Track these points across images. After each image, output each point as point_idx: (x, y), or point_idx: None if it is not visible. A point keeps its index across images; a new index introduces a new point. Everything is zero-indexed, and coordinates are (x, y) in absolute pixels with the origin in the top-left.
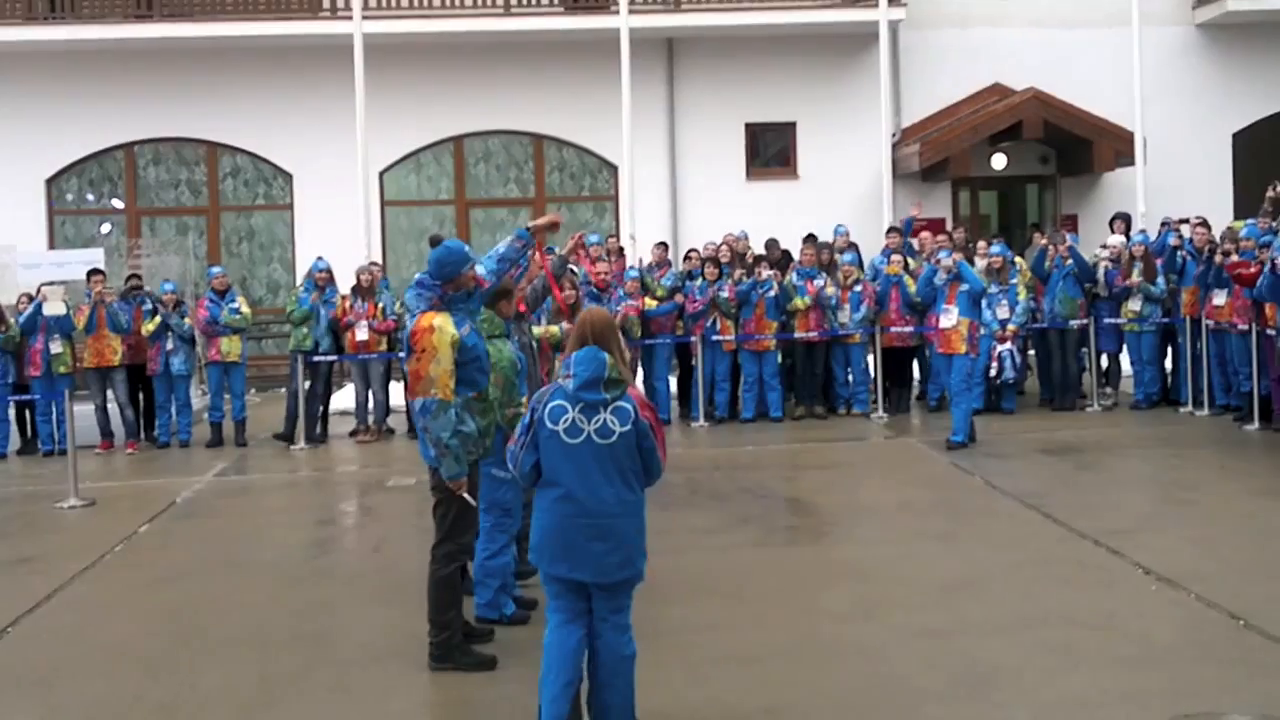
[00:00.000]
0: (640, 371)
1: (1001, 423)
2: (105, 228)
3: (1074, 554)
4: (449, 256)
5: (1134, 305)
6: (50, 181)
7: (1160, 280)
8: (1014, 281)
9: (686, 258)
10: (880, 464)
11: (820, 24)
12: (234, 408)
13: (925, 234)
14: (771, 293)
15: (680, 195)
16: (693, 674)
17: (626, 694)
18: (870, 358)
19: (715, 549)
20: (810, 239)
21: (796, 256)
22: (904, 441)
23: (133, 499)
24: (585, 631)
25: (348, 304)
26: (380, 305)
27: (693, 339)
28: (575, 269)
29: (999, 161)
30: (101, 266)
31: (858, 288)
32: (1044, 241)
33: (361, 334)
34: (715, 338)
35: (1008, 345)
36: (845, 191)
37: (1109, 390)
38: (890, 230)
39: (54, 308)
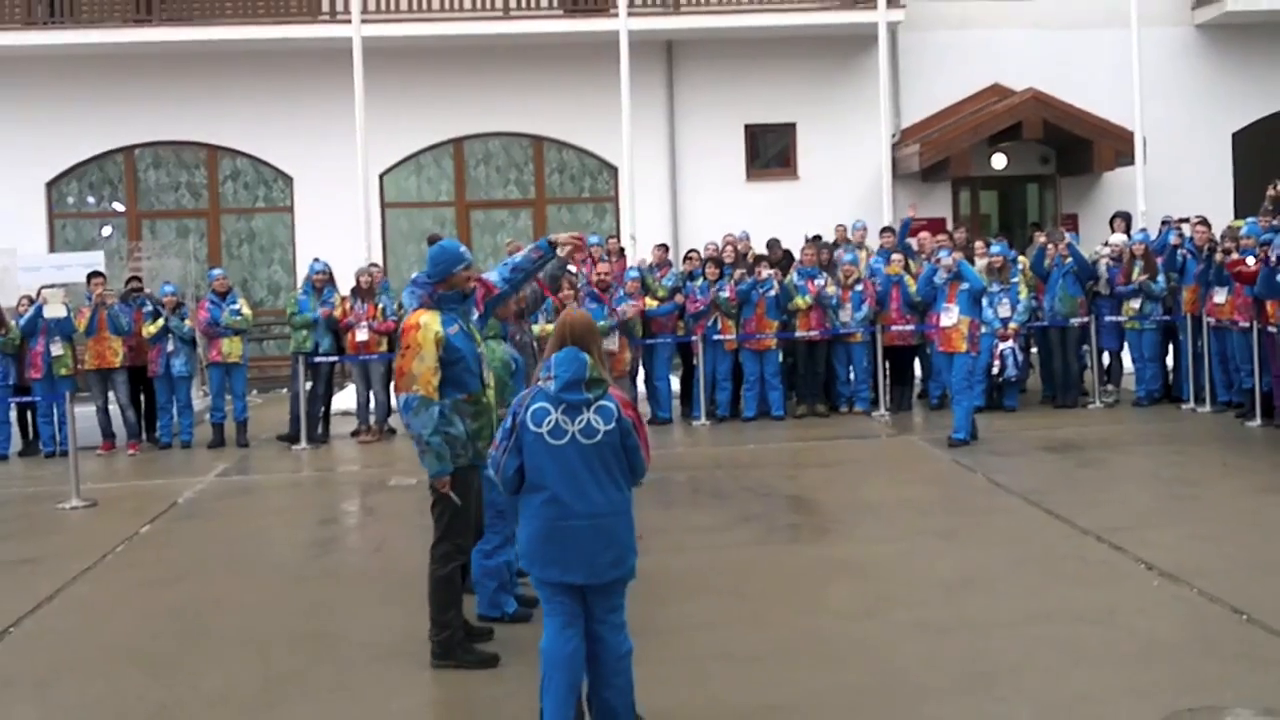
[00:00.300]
0: (642, 371)
1: (1003, 420)
2: (106, 231)
3: (1076, 550)
4: (441, 256)
5: (1134, 303)
6: (51, 185)
7: (1161, 278)
8: (1015, 280)
9: (687, 258)
10: (882, 462)
11: (819, 26)
12: (235, 409)
13: (925, 234)
14: (772, 292)
15: (680, 196)
16: (694, 672)
17: (627, 691)
18: (874, 356)
19: (717, 547)
20: (816, 239)
21: (798, 257)
22: (906, 439)
23: (134, 500)
24: (583, 634)
25: (348, 305)
26: (380, 306)
27: (694, 339)
28: (573, 270)
29: (999, 161)
30: (102, 269)
31: (859, 287)
32: (1044, 240)
33: (362, 335)
34: (716, 337)
35: (1009, 343)
36: (845, 192)
37: (1110, 388)
38: (885, 230)
39: (55, 310)
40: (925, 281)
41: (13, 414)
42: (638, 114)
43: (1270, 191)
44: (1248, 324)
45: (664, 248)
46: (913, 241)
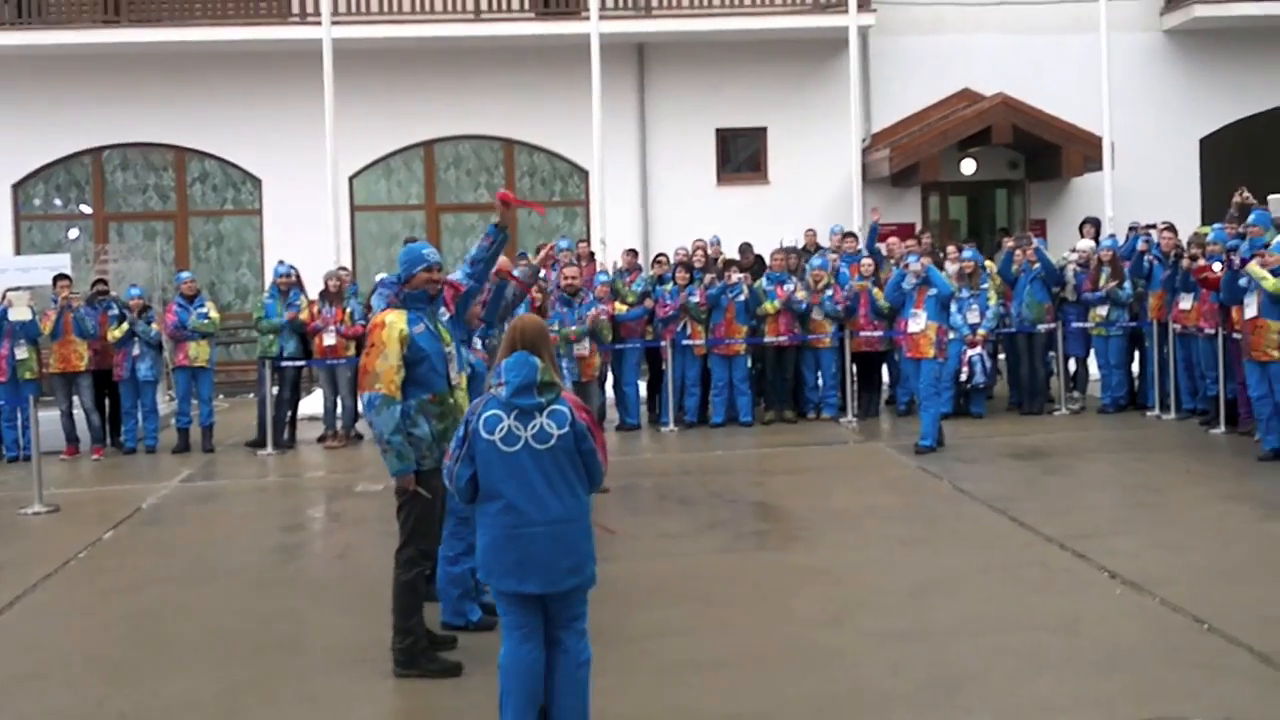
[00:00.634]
0: (610, 376)
1: (970, 427)
2: (73, 233)
3: (1041, 558)
4: (404, 256)
5: (1101, 310)
6: (17, 187)
7: (1128, 285)
8: (984, 286)
9: (656, 262)
10: (849, 469)
11: (790, 30)
12: (201, 413)
13: (894, 239)
14: (741, 297)
15: (651, 200)
16: (660, 679)
17: (584, 699)
18: (842, 362)
19: (684, 554)
20: (791, 250)
21: (769, 261)
22: (873, 446)
23: (98, 505)
24: (542, 645)
25: (315, 309)
26: (348, 310)
27: (663, 344)
28: (543, 275)
29: (968, 167)
30: (68, 272)
31: (828, 292)
32: (1011, 245)
33: (329, 339)
34: (685, 342)
35: (977, 350)
36: (816, 196)
37: (1077, 394)
38: (847, 235)
39: (19, 313)
40: (893, 287)
41: None
42: (609, 117)
43: (1236, 198)
44: (1213, 331)
45: (633, 252)
46: (882, 246)
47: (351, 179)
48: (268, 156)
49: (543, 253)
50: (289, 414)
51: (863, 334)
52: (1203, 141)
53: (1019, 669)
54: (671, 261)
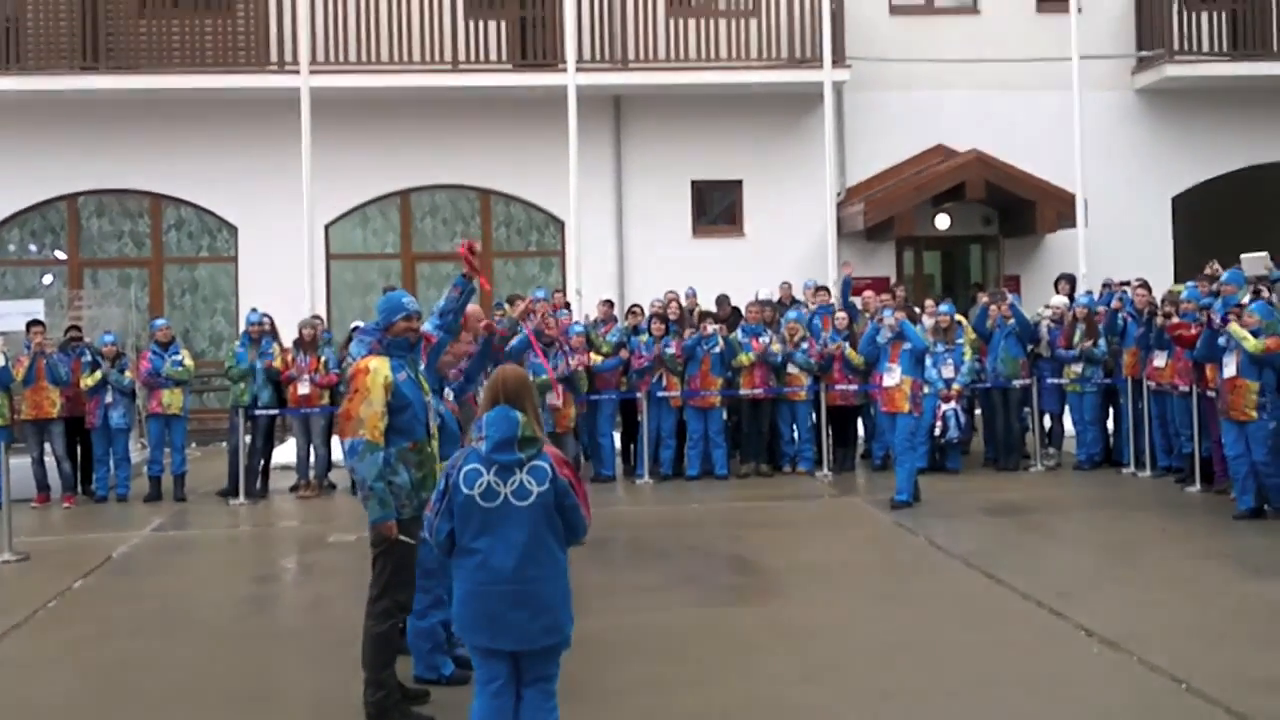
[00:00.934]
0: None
1: (946, 482)
2: (47, 279)
3: (1018, 615)
4: (383, 304)
5: (1076, 366)
6: None
7: (1102, 342)
8: (960, 341)
9: (631, 313)
10: (825, 523)
11: (766, 84)
12: (174, 461)
13: (869, 292)
14: (717, 349)
15: (627, 251)
16: None
17: None
18: (818, 415)
19: (658, 608)
20: (767, 304)
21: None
22: (849, 500)
23: (68, 554)
24: (514, 699)
25: (290, 357)
26: (323, 359)
27: (638, 395)
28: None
29: (942, 222)
30: (41, 317)
31: (804, 345)
32: (986, 300)
33: (303, 388)
34: (661, 394)
35: (952, 405)
36: (791, 249)
37: (1052, 450)
38: (819, 289)
39: None
40: (868, 341)
41: None
42: (585, 169)
43: (1207, 270)
44: (1188, 388)
45: (609, 303)
46: (857, 300)
47: (327, 227)
48: (244, 204)
49: (522, 307)
50: (262, 463)
51: (838, 388)
52: (1175, 200)
53: None
54: (647, 313)
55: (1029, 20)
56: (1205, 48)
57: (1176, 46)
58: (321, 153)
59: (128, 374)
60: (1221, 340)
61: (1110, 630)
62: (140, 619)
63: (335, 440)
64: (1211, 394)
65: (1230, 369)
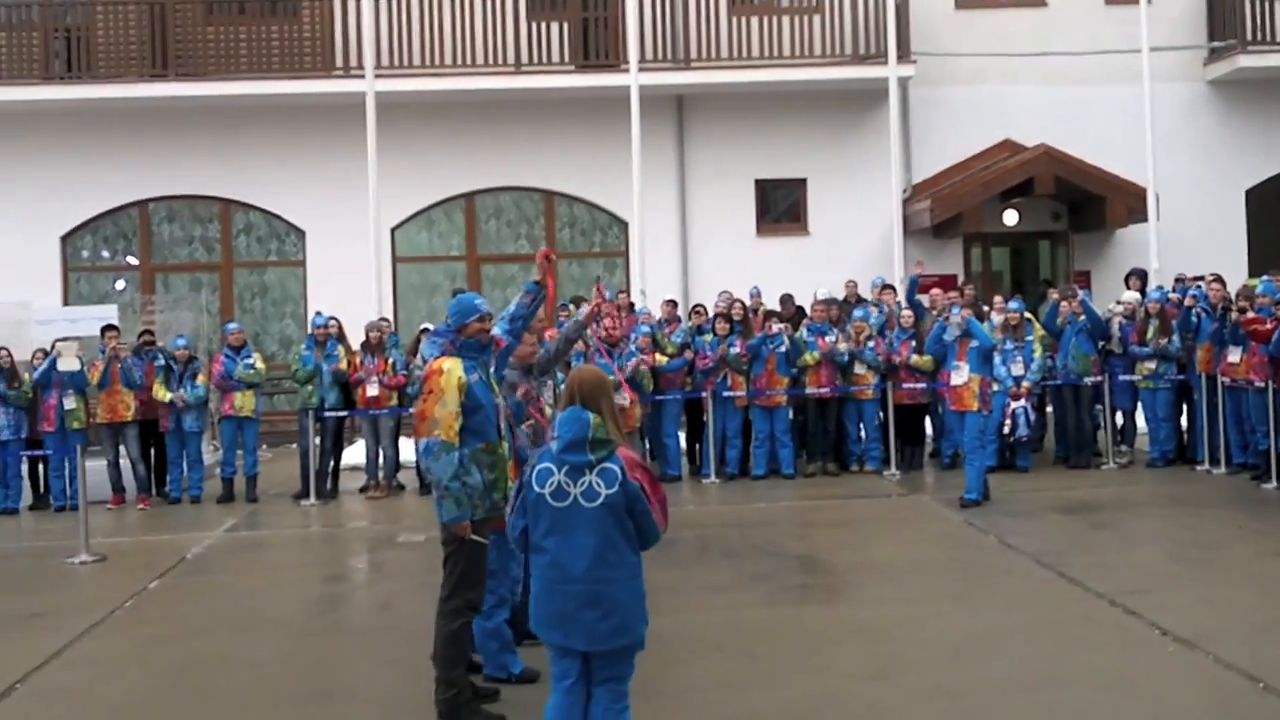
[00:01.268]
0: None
1: (1016, 481)
2: (120, 284)
3: (1090, 614)
4: (457, 306)
5: (1150, 363)
6: (65, 238)
7: (1175, 338)
8: (1030, 338)
9: (695, 312)
10: (893, 522)
11: (830, 81)
12: (246, 463)
13: (937, 290)
14: (782, 348)
15: (691, 251)
16: None
17: None
18: (885, 414)
19: (726, 607)
20: (851, 300)
21: (809, 313)
22: (917, 499)
23: (143, 555)
24: (585, 698)
25: (358, 360)
26: (390, 361)
27: (704, 395)
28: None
29: (1011, 218)
30: (115, 322)
31: (870, 344)
32: (1057, 296)
33: (372, 390)
34: (726, 394)
35: (1022, 402)
36: (856, 247)
37: (1124, 448)
38: (885, 287)
39: (68, 363)
40: (935, 339)
41: (24, 467)
42: (648, 169)
43: None
44: (1263, 384)
45: (672, 303)
46: (924, 298)
47: (393, 230)
48: (311, 208)
49: (589, 307)
50: (331, 464)
51: (905, 386)
52: (1249, 193)
53: None
54: (710, 311)
55: (1097, 12)
56: (1279, 37)
57: (1250, 37)
58: (387, 156)
59: (200, 379)
60: None
61: (1185, 629)
62: (214, 618)
63: (404, 441)
64: None
65: None
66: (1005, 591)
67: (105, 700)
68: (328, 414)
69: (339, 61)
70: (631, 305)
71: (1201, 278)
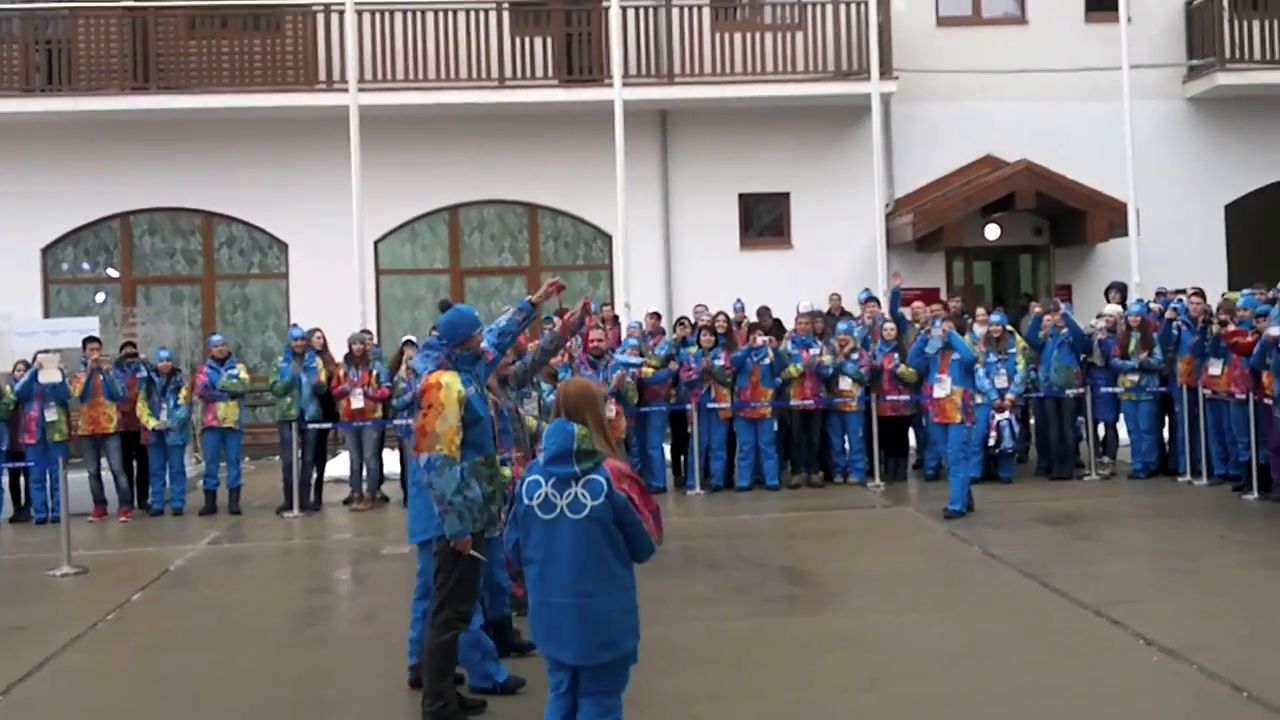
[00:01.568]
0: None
1: (999, 492)
2: (99, 297)
3: (1074, 624)
4: (461, 320)
5: (1131, 375)
6: (46, 250)
7: (1158, 351)
8: (1012, 351)
9: (679, 324)
10: (878, 533)
11: (812, 97)
12: (229, 475)
13: (919, 303)
14: (767, 360)
15: (674, 264)
16: None
17: None
18: (869, 426)
19: (712, 618)
20: (834, 313)
21: (790, 326)
22: (901, 510)
23: (126, 567)
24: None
25: (341, 372)
26: (374, 373)
27: (688, 407)
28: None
29: (992, 232)
30: (97, 334)
31: (854, 357)
32: (1039, 310)
33: (356, 402)
34: (711, 405)
35: (1006, 415)
36: (839, 261)
37: (1106, 459)
38: (869, 300)
39: (50, 375)
40: (917, 352)
41: (5, 480)
42: (632, 183)
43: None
44: (1244, 396)
45: (656, 315)
46: (906, 311)
47: (377, 243)
48: (294, 221)
49: (564, 319)
50: (314, 476)
51: (888, 398)
52: (1228, 208)
53: None
54: (694, 324)
55: (1078, 30)
56: (1257, 55)
57: (1228, 55)
58: (370, 170)
59: (182, 394)
60: None
61: (1169, 639)
62: (198, 630)
63: (388, 453)
64: (1269, 402)
65: None
66: (990, 602)
67: (88, 713)
68: (311, 426)
69: (322, 75)
70: (615, 318)
71: (1182, 291)
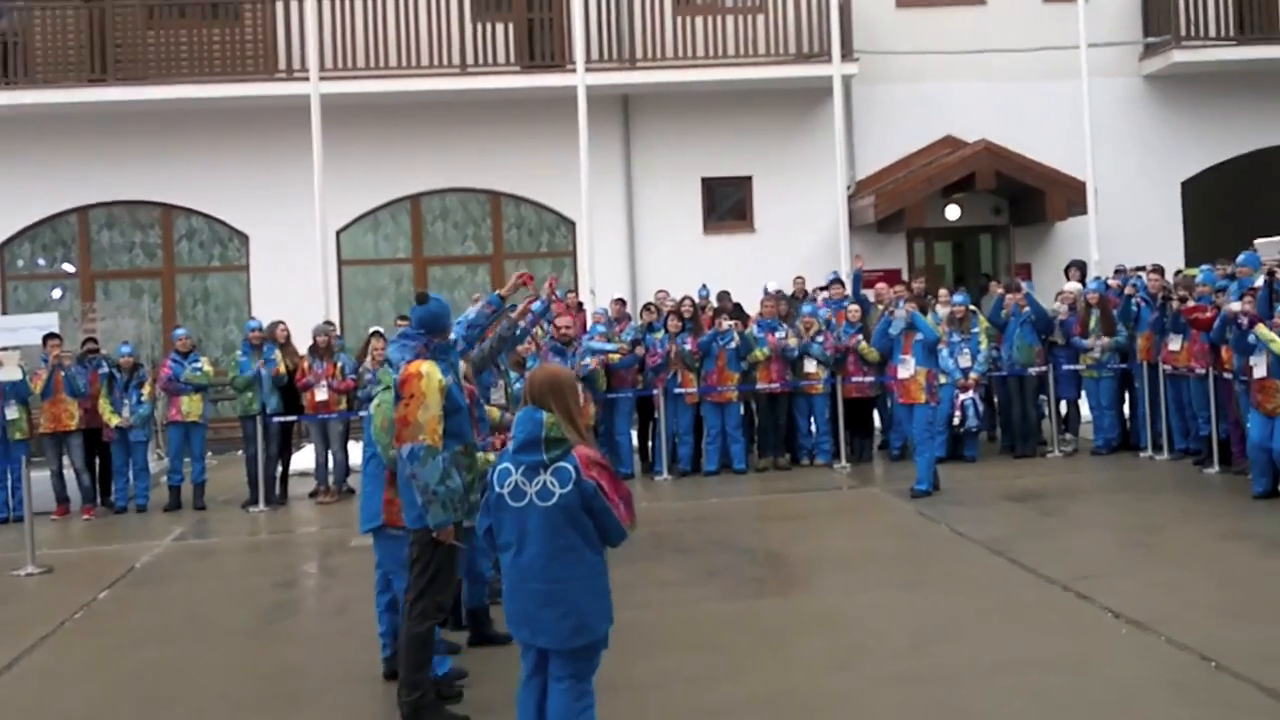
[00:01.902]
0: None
1: (964, 471)
2: (56, 293)
3: (1043, 599)
4: (441, 309)
5: (1094, 352)
6: (3, 247)
7: (1120, 329)
8: (975, 330)
9: (646, 309)
10: (846, 514)
11: (774, 80)
12: (194, 470)
13: (883, 285)
14: (732, 344)
15: (638, 249)
16: None
17: None
18: (835, 408)
19: (685, 602)
20: (799, 296)
21: (755, 309)
22: (868, 491)
23: (91, 565)
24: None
25: (305, 364)
26: (339, 365)
27: (655, 392)
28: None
29: (953, 212)
30: (56, 331)
31: (819, 339)
32: (1001, 290)
33: (321, 394)
34: (677, 390)
35: (970, 394)
36: (802, 243)
37: (1069, 436)
38: (834, 282)
39: (9, 373)
40: (880, 333)
41: None
42: (595, 169)
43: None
44: (1204, 371)
45: (621, 301)
46: (870, 293)
47: (339, 233)
48: (254, 212)
49: (523, 304)
50: (280, 470)
51: (853, 380)
52: (1185, 184)
53: (1027, 711)
54: (660, 310)
55: (1035, 9)
56: (1212, 33)
57: (1183, 32)
58: (331, 159)
59: (145, 390)
60: (1251, 339)
61: (1137, 611)
62: (167, 628)
63: (353, 445)
64: (1228, 376)
65: (1260, 370)
66: (959, 579)
67: (60, 713)
68: (276, 419)
69: (282, 64)
70: (580, 304)
71: (1141, 268)
